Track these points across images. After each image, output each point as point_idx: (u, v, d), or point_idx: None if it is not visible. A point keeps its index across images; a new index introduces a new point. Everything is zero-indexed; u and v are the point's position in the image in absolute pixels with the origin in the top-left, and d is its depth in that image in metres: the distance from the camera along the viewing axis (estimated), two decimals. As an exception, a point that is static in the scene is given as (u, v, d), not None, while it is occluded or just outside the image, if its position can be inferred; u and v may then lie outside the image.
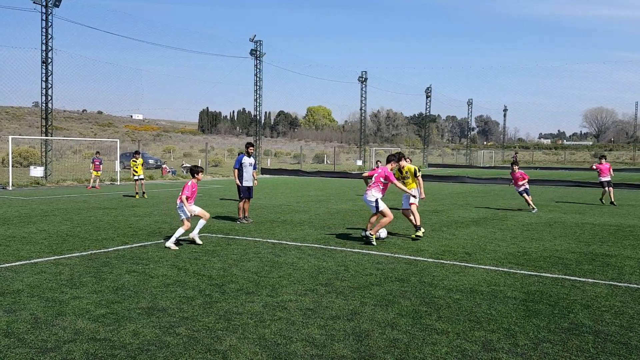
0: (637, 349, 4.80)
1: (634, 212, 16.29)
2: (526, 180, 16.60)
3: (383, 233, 10.43)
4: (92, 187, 23.71)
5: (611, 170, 18.89)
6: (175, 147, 76.63)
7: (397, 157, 10.62)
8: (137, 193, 19.24)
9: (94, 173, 23.92)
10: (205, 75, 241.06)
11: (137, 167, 19.59)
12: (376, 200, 10.04)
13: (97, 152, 25.76)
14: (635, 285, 7.11)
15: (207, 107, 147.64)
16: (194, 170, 9.94)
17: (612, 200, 18.47)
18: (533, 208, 16.07)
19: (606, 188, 18.58)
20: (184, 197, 9.46)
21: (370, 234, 9.97)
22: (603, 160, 19.04)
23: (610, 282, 7.26)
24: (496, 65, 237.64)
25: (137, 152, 20.77)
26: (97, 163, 24.00)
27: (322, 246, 9.76)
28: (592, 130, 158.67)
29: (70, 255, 8.64)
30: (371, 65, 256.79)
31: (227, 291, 6.54)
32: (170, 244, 9.29)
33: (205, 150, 34.57)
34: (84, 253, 8.82)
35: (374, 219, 10.23)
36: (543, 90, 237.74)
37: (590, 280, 7.40)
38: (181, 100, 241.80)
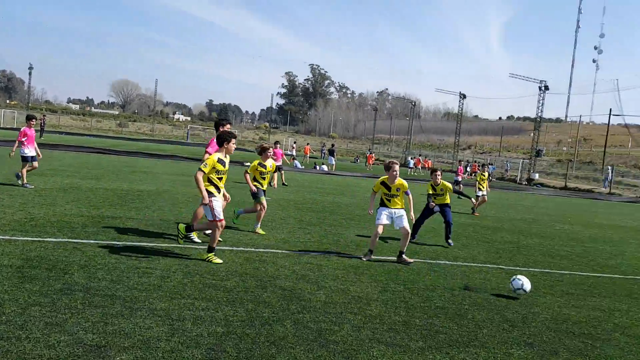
0: (131, 299, 5.41)
1: (142, 178, 18.09)
2: None
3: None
4: None
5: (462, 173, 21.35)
6: None
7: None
8: None
9: None
10: None
11: None
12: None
13: None
14: (131, 244, 7.98)
15: None
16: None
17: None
18: None
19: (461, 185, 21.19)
20: None
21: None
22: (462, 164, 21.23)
23: (112, 242, 7.90)
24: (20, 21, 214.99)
25: None
26: None
27: None
28: (119, 101, 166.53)
29: None
30: None
31: None
32: None
33: None
34: None
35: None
36: (75, 54, 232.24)
37: (92, 241, 7.84)
38: None
